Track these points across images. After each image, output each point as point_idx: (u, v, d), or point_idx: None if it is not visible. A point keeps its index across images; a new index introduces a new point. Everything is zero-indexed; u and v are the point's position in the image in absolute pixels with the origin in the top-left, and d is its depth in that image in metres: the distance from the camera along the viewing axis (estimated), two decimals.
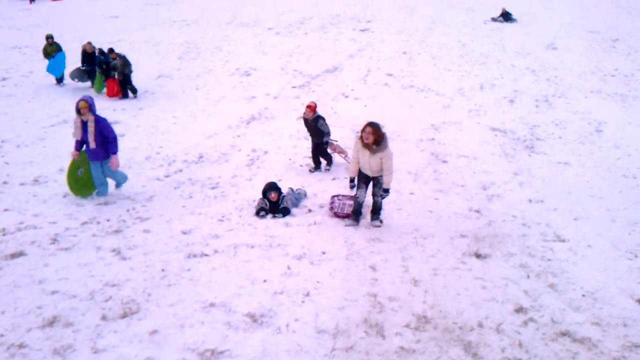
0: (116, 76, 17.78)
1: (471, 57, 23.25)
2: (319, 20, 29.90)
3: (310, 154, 12.24)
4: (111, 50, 18.10)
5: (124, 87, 17.74)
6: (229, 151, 13.14)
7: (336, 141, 12.34)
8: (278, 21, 29.51)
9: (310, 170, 11.99)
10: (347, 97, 18.18)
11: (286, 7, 33.62)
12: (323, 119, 11.73)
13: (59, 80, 19.01)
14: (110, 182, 10.42)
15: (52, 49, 18.80)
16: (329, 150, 12.08)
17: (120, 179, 10.41)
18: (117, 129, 14.04)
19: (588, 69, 22.06)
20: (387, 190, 9.11)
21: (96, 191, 10.13)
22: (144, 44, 24.85)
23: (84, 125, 9.60)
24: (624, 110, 17.62)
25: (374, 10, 32.43)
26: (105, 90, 18.24)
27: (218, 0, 35.99)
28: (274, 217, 9.63)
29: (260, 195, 9.95)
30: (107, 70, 18.21)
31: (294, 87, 19.13)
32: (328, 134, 11.74)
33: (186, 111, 16.28)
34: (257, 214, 9.71)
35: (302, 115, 11.84)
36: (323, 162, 12.20)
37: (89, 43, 18.90)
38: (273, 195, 9.78)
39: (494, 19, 31.33)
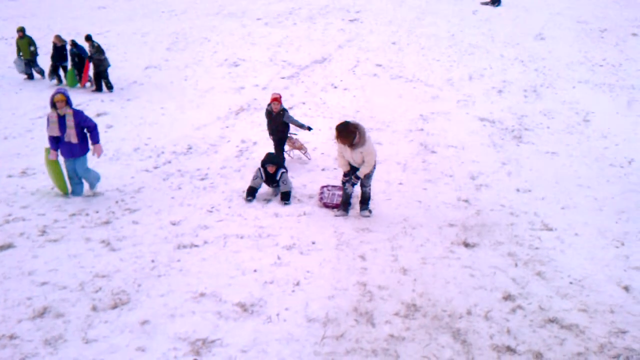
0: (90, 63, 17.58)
1: (460, 48, 23.28)
2: (308, 10, 29.80)
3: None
4: (88, 37, 17.62)
5: (98, 79, 17.43)
6: (218, 142, 13.12)
7: (295, 135, 12.03)
8: (266, 11, 29.38)
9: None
10: (336, 87, 18.18)
11: None
12: (287, 111, 11.39)
13: (30, 75, 18.57)
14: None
15: (23, 42, 18.13)
16: (286, 147, 11.83)
17: (93, 180, 9.86)
18: (105, 120, 14.10)
19: (576, 59, 22.15)
20: (358, 177, 9.19)
21: (70, 190, 9.78)
22: (132, 35, 24.70)
23: (61, 120, 9.16)
24: (611, 100, 17.72)
25: (362, 1, 32.34)
26: (78, 85, 18.05)
27: None
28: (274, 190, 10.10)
29: (259, 166, 10.00)
30: (79, 62, 17.84)
31: (282, 78, 19.10)
32: (301, 125, 11.36)
33: (175, 102, 16.22)
34: (248, 194, 9.92)
35: (267, 108, 11.37)
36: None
37: (58, 36, 18.27)
38: (270, 168, 9.86)
39: (484, 4, 31.45)
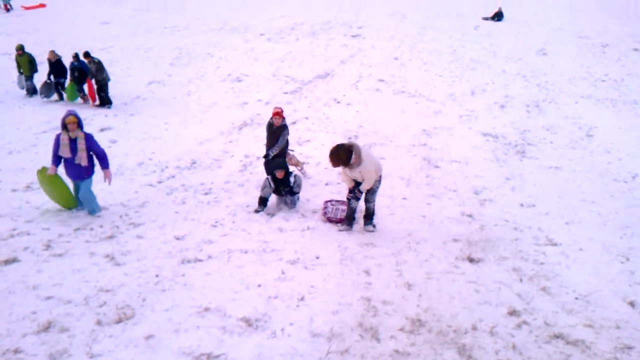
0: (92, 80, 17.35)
1: (462, 63, 23.37)
2: (310, 26, 29.97)
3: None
4: (87, 54, 17.40)
5: (99, 94, 17.36)
6: (222, 157, 13.14)
7: (292, 151, 11.96)
8: (269, 27, 29.55)
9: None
10: (339, 102, 18.22)
11: (277, 13, 33.69)
12: (287, 128, 11.25)
13: (29, 92, 18.28)
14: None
15: (23, 60, 17.96)
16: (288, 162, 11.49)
17: (95, 207, 9.61)
18: (108, 135, 14.12)
19: (578, 74, 22.22)
20: (361, 192, 9.27)
21: (87, 210, 9.58)
22: (136, 50, 24.82)
23: (72, 142, 9.05)
24: (614, 115, 17.76)
25: (365, 17, 32.55)
26: (79, 99, 17.89)
27: (209, 7, 36.06)
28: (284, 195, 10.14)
29: (265, 177, 10.13)
30: (80, 77, 17.61)
31: (285, 93, 19.16)
32: (281, 146, 11.12)
33: (178, 117, 16.26)
34: (260, 203, 10.06)
35: (269, 121, 11.23)
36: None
37: (52, 51, 17.99)
38: (279, 173, 9.91)
39: (485, 19, 31.65)
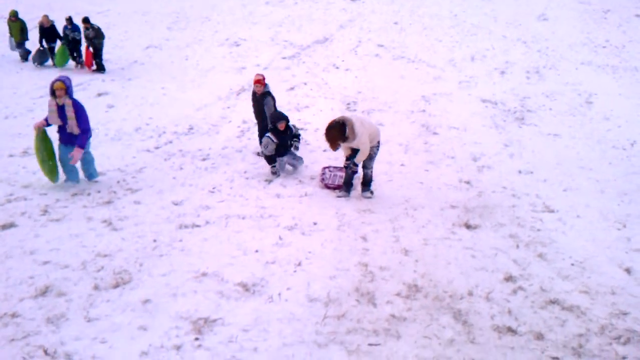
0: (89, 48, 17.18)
1: (462, 28, 23.15)
2: None
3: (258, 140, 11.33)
4: (86, 19, 17.13)
5: (95, 60, 17.21)
6: (219, 122, 13.09)
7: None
8: None
9: (258, 154, 11.15)
10: (337, 68, 18.11)
11: None
12: (272, 97, 10.82)
13: (24, 57, 18.20)
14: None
15: (15, 26, 17.67)
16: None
17: (93, 171, 9.40)
18: (106, 100, 14.07)
19: (579, 40, 22.03)
20: (355, 164, 9.25)
21: (65, 178, 9.24)
22: (133, 14, 24.57)
23: (60, 109, 8.68)
24: (614, 81, 17.66)
25: None
26: (70, 65, 17.74)
27: None
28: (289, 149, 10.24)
29: (268, 134, 9.99)
30: (73, 41, 17.42)
31: (284, 58, 19.01)
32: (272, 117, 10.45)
33: (175, 82, 16.16)
34: (271, 162, 10.14)
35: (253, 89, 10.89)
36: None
37: (46, 16, 17.62)
38: (281, 125, 9.92)
39: None
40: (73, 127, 8.73)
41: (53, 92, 8.66)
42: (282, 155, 10.24)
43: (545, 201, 9.62)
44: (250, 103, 11.16)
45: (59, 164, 9.17)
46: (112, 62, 17.81)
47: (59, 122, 8.76)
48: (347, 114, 9.66)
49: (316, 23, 23.61)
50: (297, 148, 10.44)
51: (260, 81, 10.73)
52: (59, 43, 17.81)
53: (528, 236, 8.25)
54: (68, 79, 8.90)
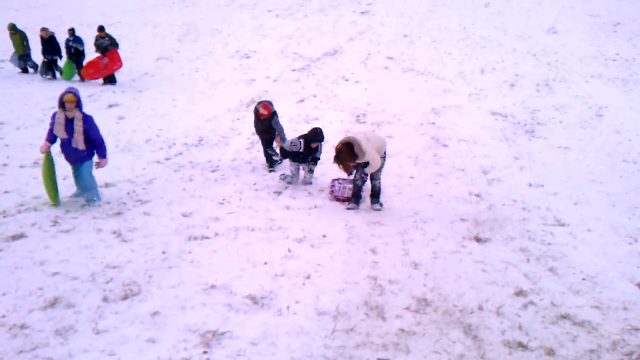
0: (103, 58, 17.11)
1: (472, 41, 23.16)
2: (319, 2, 29.73)
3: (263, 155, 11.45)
4: (101, 28, 17.25)
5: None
6: (229, 134, 13.12)
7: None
8: (278, 3, 29.33)
9: (270, 170, 11.21)
10: (347, 80, 18.14)
11: None
12: (276, 115, 10.94)
13: (24, 69, 18.32)
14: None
15: (16, 39, 17.74)
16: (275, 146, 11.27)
17: (94, 195, 8.96)
18: (116, 112, 14.13)
19: (589, 53, 21.99)
20: (366, 174, 9.32)
21: (85, 197, 8.92)
22: (143, 25, 24.74)
23: (68, 122, 8.43)
24: (624, 94, 17.61)
25: None
26: (75, 78, 17.65)
27: None
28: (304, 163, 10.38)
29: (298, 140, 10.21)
30: (77, 54, 17.41)
31: (293, 70, 19.08)
32: (282, 134, 10.91)
33: (186, 94, 16.23)
34: (282, 151, 10.31)
35: (257, 107, 10.99)
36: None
37: (45, 29, 17.55)
38: (314, 145, 10.17)
39: None
40: (79, 141, 8.48)
41: (62, 105, 8.39)
42: (295, 161, 10.39)
43: (555, 215, 9.57)
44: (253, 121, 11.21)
45: (60, 184, 8.93)
46: (122, 74, 17.89)
47: (65, 136, 8.48)
48: (351, 133, 9.70)
49: (326, 36, 23.69)
50: (311, 171, 10.53)
51: (267, 107, 10.83)
52: (61, 58, 17.82)
53: (539, 250, 8.19)
54: (78, 91, 8.64)
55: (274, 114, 10.86)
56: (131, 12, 27.22)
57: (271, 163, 11.23)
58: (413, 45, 22.55)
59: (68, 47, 17.41)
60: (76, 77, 17.74)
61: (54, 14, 25.82)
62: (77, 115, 8.42)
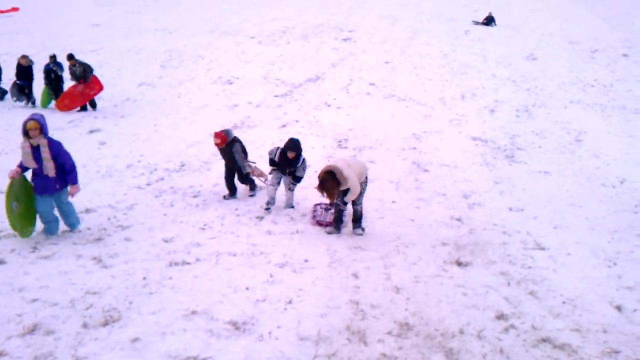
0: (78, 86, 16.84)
1: (452, 67, 23.44)
2: (302, 29, 30.01)
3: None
4: (70, 56, 17.02)
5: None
6: (211, 159, 13.10)
7: (254, 163, 11.42)
8: (260, 30, 29.57)
9: (224, 197, 11.01)
10: (329, 106, 18.24)
11: (269, 16, 33.71)
12: (239, 142, 10.80)
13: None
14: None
15: None
16: (251, 174, 11.20)
17: (74, 220, 8.81)
18: (98, 137, 14.08)
19: (568, 80, 22.33)
20: (345, 203, 9.31)
21: (43, 228, 8.61)
22: (127, 52, 24.78)
23: (35, 150, 8.05)
24: (603, 120, 17.86)
25: (356, 20, 32.62)
26: (53, 103, 17.35)
27: (200, 9, 36.03)
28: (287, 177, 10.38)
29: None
30: (56, 80, 17.21)
31: (276, 96, 19.16)
32: (244, 159, 10.85)
33: (168, 119, 16.23)
34: (271, 163, 10.32)
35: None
36: (244, 187, 11.41)
37: (25, 57, 17.51)
38: (290, 154, 10.05)
39: (476, 23, 31.85)
40: (49, 169, 8.10)
41: (26, 133, 7.98)
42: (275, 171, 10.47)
43: (536, 239, 9.64)
44: (240, 137, 11.22)
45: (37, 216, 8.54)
46: (104, 100, 17.87)
47: (34, 165, 8.11)
48: (331, 161, 9.77)
49: (308, 62, 23.87)
50: (291, 189, 10.55)
51: (219, 136, 10.48)
52: (41, 83, 17.52)
53: (519, 274, 8.24)
54: (42, 117, 8.22)
55: (232, 142, 10.61)
56: (114, 38, 27.27)
57: (252, 186, 11.28)
58: (394, 71, 22.78)
59: (48, 73, 17.17)
60: (53, 104, 17.50)
61: (37, 39, 25.81)
62: (42, 142, 8.03)
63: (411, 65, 23.70)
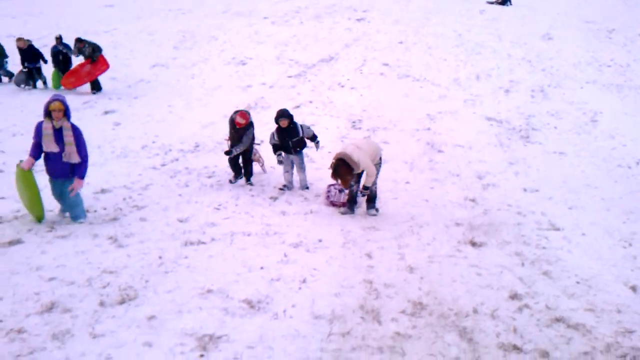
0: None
1: (467, 47, 23.24)
2: (315, 9, 29.82)
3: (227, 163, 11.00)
4: (79, 39, 16.88)
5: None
6: (225, 140, 13.12)
7: (259, 144, 11.47)
8: (273, 10, 29.41)
9: (230, 181, 10.82)
10: (343, 86, 18.18)
11: None
12: (252, 126, 10.63)
13: (9, 77, 17.91)
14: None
15: None
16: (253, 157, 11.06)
17: (80, 212, 8.47)
18: (112, 118, 14.16)
19: (584, 60, 22.08)
20: (366, 188, 9.27)
21: (71, 215, 8.47)
22: (140, 33, 24.77)
23: (57, 133, 7.84)
24: (619, 100, 17.68)
25: (369, 0, 32.35)
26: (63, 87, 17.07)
27: None
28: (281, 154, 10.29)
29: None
30: (64, 62, 17.11)
31: (289, 77, 19.12)
32: (246, 144, 10.53)
33: (182, 100, 16.26)
34: (275, 152, 10.35)
35: (233, 116, 10.51)
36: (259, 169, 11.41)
37: (21, 38, 17.01)
38: (283, 122, 10.04)
39: (490, 2, 31.55)
40: (72, 154, 7.90)
41: (48, 114, 7.79)
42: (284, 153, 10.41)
43: (550, 219, 9.61)
44: (254, 118, 11.11)
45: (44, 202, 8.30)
46: (118, 81, 17.93)
47: (56, 149, 7.88)
48: (340, 147, 9.73)
49: (322, 42, 23.75)
50: (302, 168, 10.62)
51: (244, 116, 10.36)
52: (46, 63, 17.40)
53: (533, 254, 8.23)
54: (65, 99, 8.08)
55: (250, 124, 10.53)
56: (127, 19, 27.25)
57: (248, 177, 10.95)
58: (408, 51, 22.62)
59: (55, 55, 17.07)
60: (62, 87, 17.31)
61: (51, 21, 25.83)
62: (66, 125, 7.86)
63: (425, 45, 23.51)
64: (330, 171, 9.04)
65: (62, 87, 17.16)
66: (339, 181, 9.08)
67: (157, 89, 17.46)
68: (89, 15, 27.97)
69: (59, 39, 17.14)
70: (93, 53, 16.75)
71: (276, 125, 10.26)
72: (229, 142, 10.78)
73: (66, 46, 17.18)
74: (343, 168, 8.87)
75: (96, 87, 17.01)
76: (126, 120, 14.25)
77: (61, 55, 17.14)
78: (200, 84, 18.15)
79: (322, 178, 10.92)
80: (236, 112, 10.52)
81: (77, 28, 23.49)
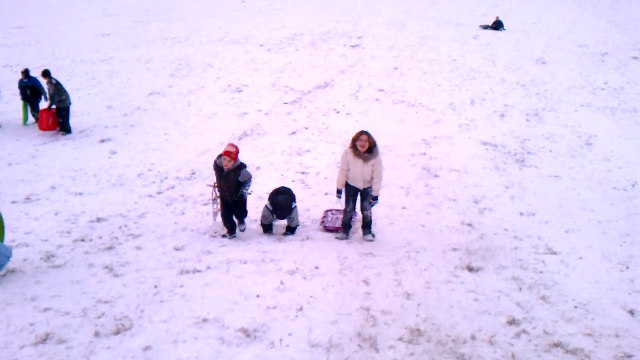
0: (51, 106, 15.18)
1: (461, 72, 23.40)
2: (310, 36, 30.06)
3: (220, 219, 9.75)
4: (45, 73, 15.42)
5: (58, 119, 15.29)
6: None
7: (250, 193, 9.76)
8: (269, 38, 29.62)
9: (224, 236, 9.49)
10: (338, 112, 18.23)
11: (277, 24, 33.79)
12: (245, 166, 9.11)
13: None
14: None
15: None
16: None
17: (2, 256, 7.44)
18: (109, 147, 14.15)
19: (578, 83, 22.25)
20: (376, 198, 9.25)
21: None
22: (136, 61, 24.87)
23: None
24: (614, 123, 17.77)
25: (364, 27, 32.65)
26: (30, 121, 16.10)
27: (209, 18, 36.16)
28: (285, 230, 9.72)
29: (265, 204, 9.70)
30: (32, 96, 15.88)
31: (285, 104, 19.17)
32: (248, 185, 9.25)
33: (178, 128, 16.28)
34: (263, 225, 9.75)
35: (217, 161, 9.08)
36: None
37: None
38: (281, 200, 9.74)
39: (484, 27, 31.84)
40: None
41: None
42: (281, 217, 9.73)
43: (547, 243, 9.61)
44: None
45: None
46: (115, 109, 17.96)
47: None
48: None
49: (317, 69, 23.89)
50: (292, 228, 9.78)
51: (229, 154, 8.84)
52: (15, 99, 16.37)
53: (531, 279, 8.22)
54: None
55: (240, 165, 9.05)
56: (124, 48, 27.37)
57: (232, 230, 9.60)
58: (403, 77, 22.75)
59: (23, 89, 15.99)
60: (31, 120, 16.39)
61: (48, 50, 25.95)
62: None
63: (420, 71, 23.67)
64: (354, 136, 9.07)
65: (29, 123, 16.24)
66: (359, 139, 8.95)
67: (153, 117, 17.48)
68: (86, 44, 28.09)
69: (25, 72, 16.03)
70: (55, 94, 15.18)
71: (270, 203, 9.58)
72: (216, 190, 9.57)
73: (34, 80, 16.00)
74: (372, 139, 8.98)
75: (65, 130, 15.48)
76: (123, 148, 14.26)
77: (28, 90, 15.96)
78: (197, 111, 18.18)
79: (318, 204, 10.92)
80: (219, 156, 9.04)
81: (74, 57, 23.64)
